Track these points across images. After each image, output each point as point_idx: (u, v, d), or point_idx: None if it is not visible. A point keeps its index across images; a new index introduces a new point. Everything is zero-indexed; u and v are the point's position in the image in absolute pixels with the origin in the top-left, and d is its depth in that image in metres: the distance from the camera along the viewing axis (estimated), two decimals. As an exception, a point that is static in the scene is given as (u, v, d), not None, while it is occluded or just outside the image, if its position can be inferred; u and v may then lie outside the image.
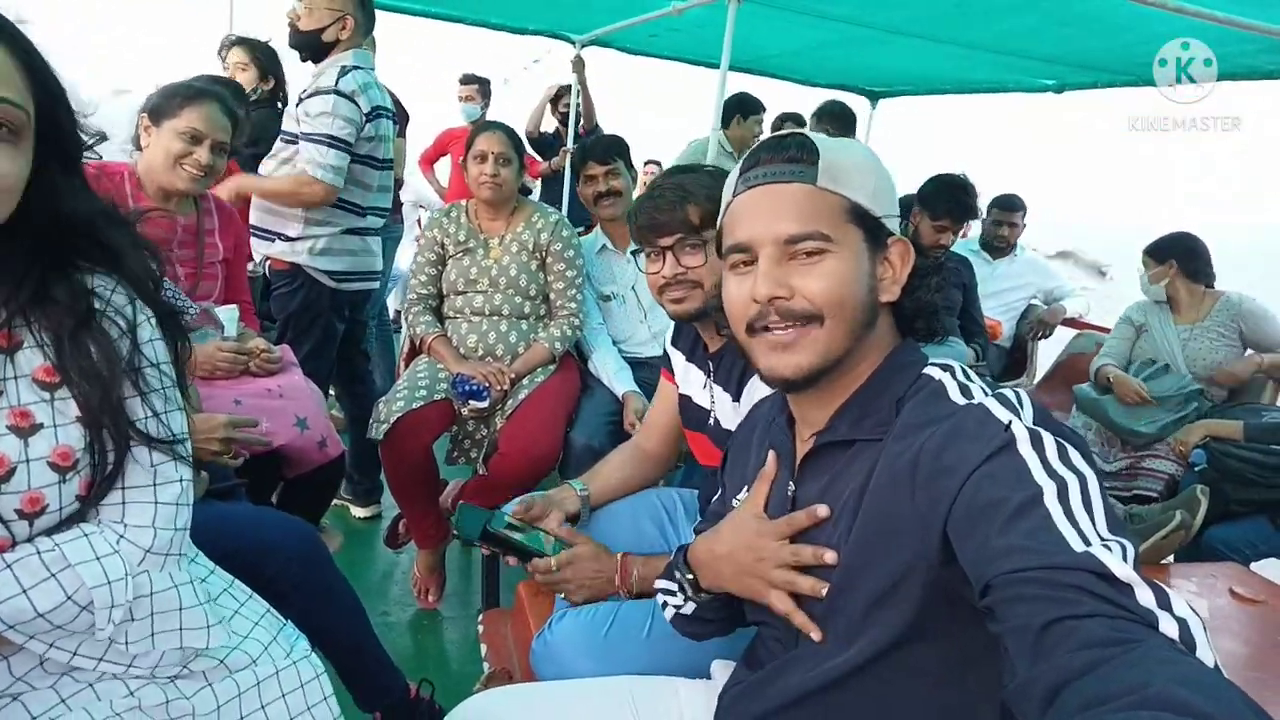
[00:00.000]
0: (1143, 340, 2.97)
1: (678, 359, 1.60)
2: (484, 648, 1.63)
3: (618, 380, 2.40)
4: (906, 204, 3.26)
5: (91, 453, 0.87)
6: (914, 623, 0.77)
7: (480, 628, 1.70)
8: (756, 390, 1.31)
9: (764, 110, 4.36)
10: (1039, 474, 0.67)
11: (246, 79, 3.08)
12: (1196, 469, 2.55)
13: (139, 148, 1.93)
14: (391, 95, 3.45)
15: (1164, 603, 0.57)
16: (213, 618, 0.95)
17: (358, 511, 2.97)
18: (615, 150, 2.57)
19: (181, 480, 0.94)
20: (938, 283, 0.90)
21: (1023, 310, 3.77)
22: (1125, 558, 0.61)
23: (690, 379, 1.55)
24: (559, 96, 4.97)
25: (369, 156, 2.51)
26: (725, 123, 4.30)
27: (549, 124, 5.24)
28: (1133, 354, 2.97)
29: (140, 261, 0.95)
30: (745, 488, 1.00)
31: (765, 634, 0.99)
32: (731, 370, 1.41)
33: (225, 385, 1.80)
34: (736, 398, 1.39)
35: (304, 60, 2.50)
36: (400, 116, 3.51)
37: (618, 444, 2.21)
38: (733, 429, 1.41)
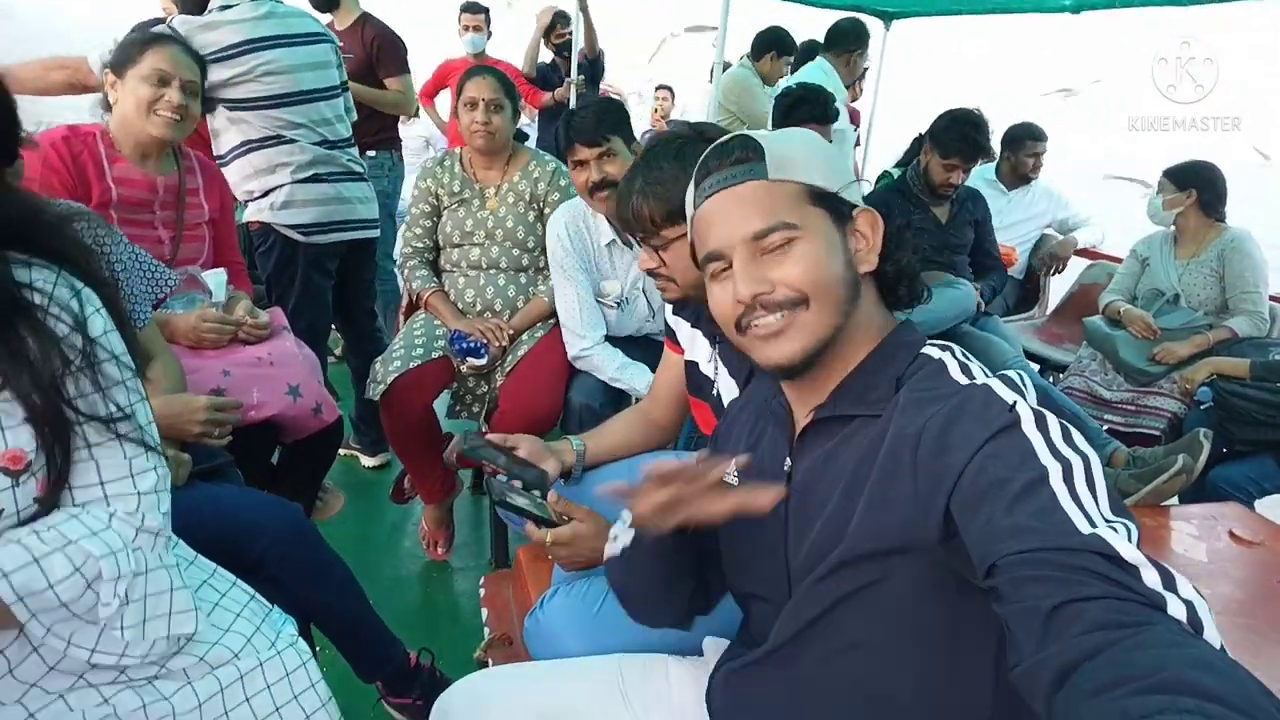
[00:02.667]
0: (1146, 274, 2.93)
1: (682, 327, 1.56)
2: (485, 612, 1.66)
3: (638, 381, 2.10)
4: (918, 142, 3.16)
5: (49, 453, 0.85)
6: (911, 599, 0.78)
7: (481, 591, 1.74)
8: None
9: (795, 53, 4.29)
10: (1044, 455, 0.67)
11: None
12: (1202, 407, 2.52)
13: (108, 108, 1.87)
14: (384, 29, 3.31)
15: (1170, 584, 0.59)
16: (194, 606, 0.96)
17: (367, 461, 3.01)
18: (608, 125, 2.02)
19: (156, 469, 0.94)
20: (913, 242, 0.91)
21: (1036, 240, 3.68)
22: (1130, 539, 0.62)
23: (697, 346, 1.52)
24: (553, 25, 4.78)
25: (246, 100, 2.29)
26: (758, 55, 4.28)
27: (546, 55, 5.05)
28: (1137, 288, 2.93)
29: (79, 250, 0.92)
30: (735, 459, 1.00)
31: (755, 611, 0.99)
32: (739, 356, 1.38)
33: (214, 355, 1.78)
34: (742, 389, 1.36)
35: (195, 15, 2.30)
36: (389, 52, 3.32)
37: (617, 404, 2.21)
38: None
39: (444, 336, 2.29)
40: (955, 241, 2.85)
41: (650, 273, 1.35)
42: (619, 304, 2.25)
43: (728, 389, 1.40)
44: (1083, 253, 3.68)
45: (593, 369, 2.18)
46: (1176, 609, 0.57)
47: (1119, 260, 3.48)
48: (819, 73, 3.65)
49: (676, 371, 1.63)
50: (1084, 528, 0.62)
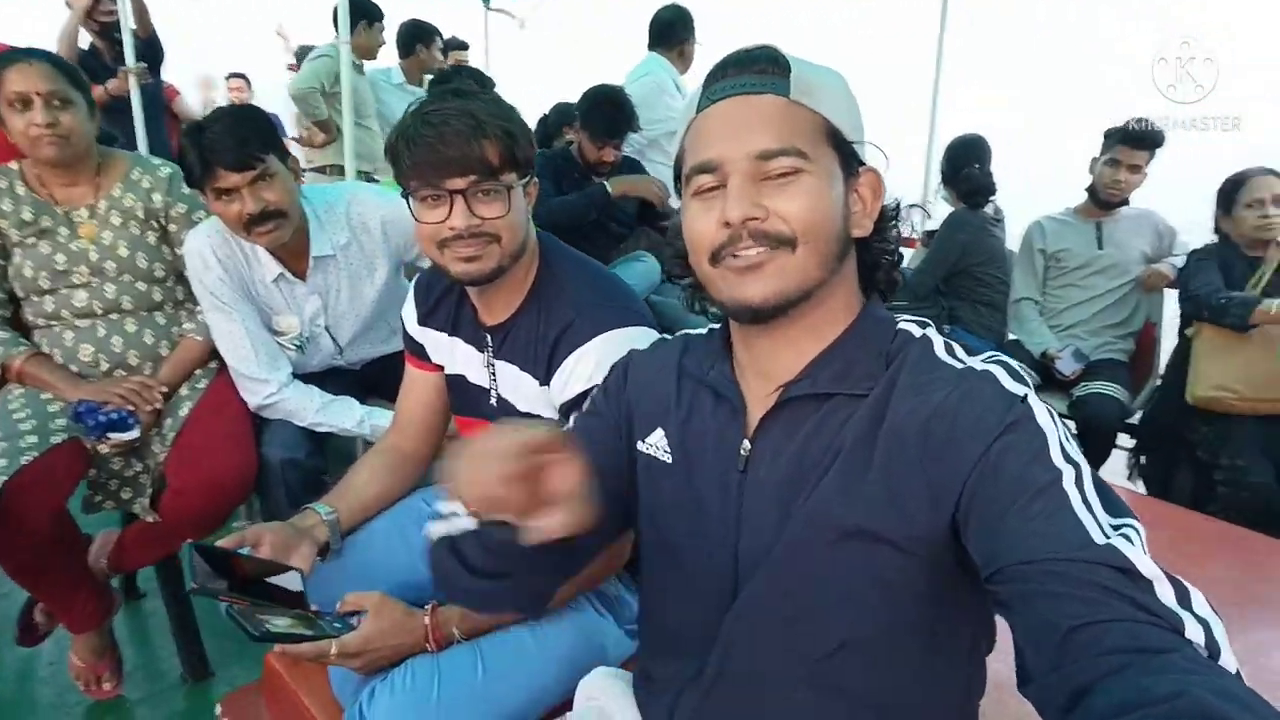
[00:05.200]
0: None
1: (437, 339, 1.34)
2: (242, 747, 1.30)
3: (347, 419, 1.82)
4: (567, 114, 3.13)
5: None
6: (909, 591, 0.73)
7: (224, 722, 1.35)
8: (575, 370, 1.13)
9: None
10: (1057, 456, 0.66)
11: None
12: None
13: None
14: None
15: (1185, 600, 0.58)
16: None
17: (-53, 602, 2.19)
18: (256, 142, 1.61)
19: None
20: (895, 231, 0.85)
21: None
22: (1143, 545, 0.61)
23: (458, 356, 1.31)
24: (95, 4, 3.86)
25: None
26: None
27: (84, 40, 4.06)
28: None
29: None
30: (659, 428, 0.87)
31: (675, 612, 0.86)
32: (531, 347, 1.19)
33: None
34: (545, 380, 1.19)
35: None
36: None
37: (324, 449, 1.88)
38: (525, 408, 1.24)
39: (63, 413, 1.72)
40: (622, 215, 2.92)
41: (454, 239, 1.10)
42: (299, 346, 1.89)
43: (513, 386, 1.24)
44: None
45: (287, 415, 1.81)
46: (1194, 631, 0.56)
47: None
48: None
49: (425, 392, 1.42)
50: (1098, 538, 0.60)
